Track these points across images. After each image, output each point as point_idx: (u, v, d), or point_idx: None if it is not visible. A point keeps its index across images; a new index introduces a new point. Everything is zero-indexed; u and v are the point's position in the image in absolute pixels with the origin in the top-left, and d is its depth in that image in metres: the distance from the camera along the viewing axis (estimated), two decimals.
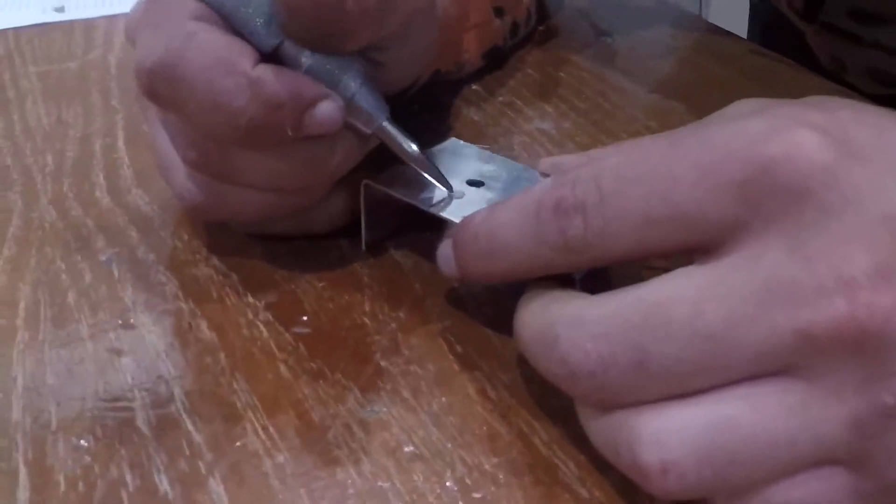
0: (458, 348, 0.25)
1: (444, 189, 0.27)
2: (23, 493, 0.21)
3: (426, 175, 0.26)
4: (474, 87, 0.38)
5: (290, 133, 0.24)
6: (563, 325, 0.20)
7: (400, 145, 0.26)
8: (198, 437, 0.23)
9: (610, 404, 0.19)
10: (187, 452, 0.22)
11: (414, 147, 0.26)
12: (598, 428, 0.20)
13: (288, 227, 0.28)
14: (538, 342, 0.20)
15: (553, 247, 0.20)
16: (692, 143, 0.19)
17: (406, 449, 0.22)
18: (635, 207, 0.19)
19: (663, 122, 0.35)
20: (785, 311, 0.17)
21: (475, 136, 0.34)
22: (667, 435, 0.18)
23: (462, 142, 0.30)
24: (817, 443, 0.18)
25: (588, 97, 0.38)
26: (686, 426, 0.18)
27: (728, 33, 0.45)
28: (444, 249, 0.23)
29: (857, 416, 0.18)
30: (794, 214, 0.18)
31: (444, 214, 0.26)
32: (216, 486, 0.21)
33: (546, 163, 0.27)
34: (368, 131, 0.26)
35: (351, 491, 0.21)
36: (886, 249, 0.17)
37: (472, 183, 0.27)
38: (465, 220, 0.23)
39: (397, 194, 0.27)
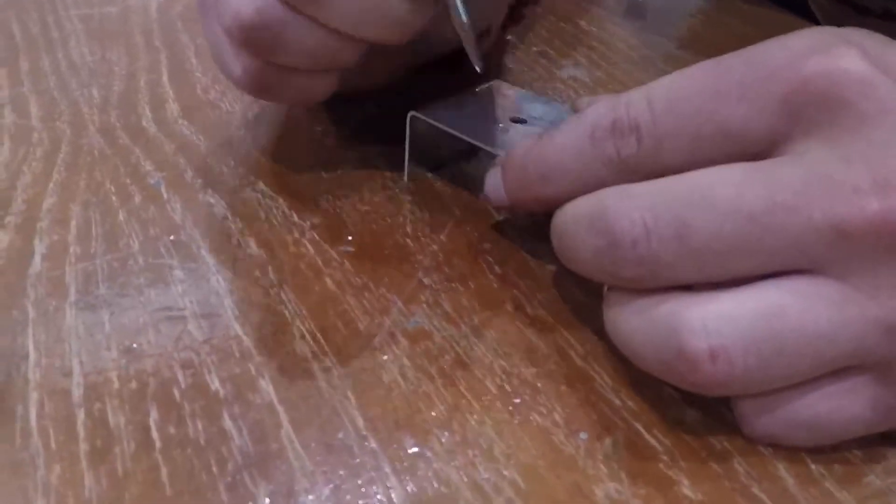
0: (497, 269, 0.26)
1: (488, 123, 0.27)
2: (77, 391, 0.22)
3: (467, 48, 0.26)
4: (508, 37, 0.39)
5: None
6: (612, 196, 0.21)
7: (457, 10, 0.26)
8: (247, 342, 0.23)
9: (647, 282, 0.20)
10: (237, 355, 0.23)
11: (465, 19, 0.26)
12: (637, 321, 0.20)
13: (325, 87, 0.27)
14: (584, 218, 0.21)
15: (607, 165, 0.21)
16: (736, 62, 0.20)
17: (448, 356, 0.23)
18: (685, 125, 0.20)
19: None
20: (822, 204, 0.18)
21: (512, 83, 0.35)
22: (716, 321, 0.19)
23: (506, 83, 0.30)
24: (856, 342, 0.19)
25: (619, 49, 0.38)
26: (735, 312, 0.19)
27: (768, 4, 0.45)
28: (493, 177, 0.24)
29: (891, 321, 0.18)
30: (834, 123, 0.19)
31: (490, 147, 0.27)
32: (265, 385, 0.22)
33: (584, 101, 0.28)
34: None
35: (395, 392, 0.22)
36: None
37: (515, 120, 0.28)
38: (516, 146, 0.23)
39: (444, 125, 0.28)
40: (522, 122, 0.28)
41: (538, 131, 0.28)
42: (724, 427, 0.22)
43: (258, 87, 0.27)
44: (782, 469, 0.21)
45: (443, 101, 0.28)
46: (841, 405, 0.20)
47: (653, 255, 0.19)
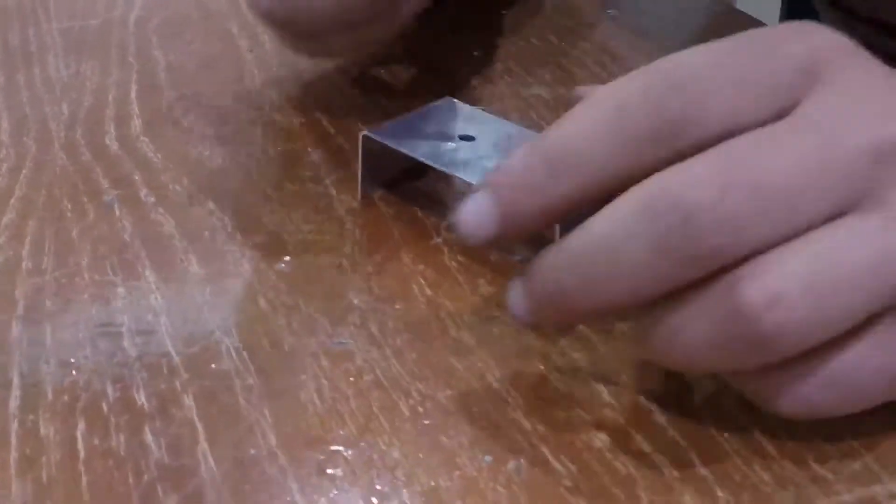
0: (428, 291, 0.26)
1: (440, 141, 0.28)
2: (14, 402, 0.23)
3: None
4: (476, 53, 0.39)
5: None
6: (670, 173, 0.19)
7: None
8: (177, 359, 0.24)
9: (728, 251, 0.19)
10: (165, 371, 0.24)
11: None
12: (691, 308, 0.19)
13: (346, 43, 0.31)
14: (633, 215, 0.20)
15: (646, 140, 0.20)
16: (754, 38, 0.22)
17: (366, 378, 0.24)
18: (724, 82, 0.20)
19: None
20: (859, 130, 0.20)
21: (471, 99, 0.35)
22: (767, 268, 0.19)
23: (457, 101, 0.31)
24: None
25: (587, 67, 0.39)
26: (789, 258, 0.19)
27: (742, 14, 0.45)
28: (475, 202, 0.21)
29: None
30: (845, 70, 0.21)
31: (442, 167, 0.27)
32: (188, 401, 0.23)
33: (582, 89, 0.29)
34: None
35: (311, 411, 0.23)
36: None
37: (463, 138, 0.29)
38: (513, 153, 0.21)
39: (395, 145, 0.28)
40: (471, 139, 0.29)
41: (486, 151, 0.29)
42: (631, 453, 0.22)
43: (293, 50, 0.32)
44: (687, 497, 0.21)
45: (394, 120, 0.29)
46: (871, 356, 0.20)
47: (732, 215, 0.19)
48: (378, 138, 0.28)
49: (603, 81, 0.38)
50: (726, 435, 0.22)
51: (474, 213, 0.21)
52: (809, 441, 0.22)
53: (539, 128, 0.32)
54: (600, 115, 0.20)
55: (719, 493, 0.21)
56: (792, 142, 0.20)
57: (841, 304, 0.19)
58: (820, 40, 0.22)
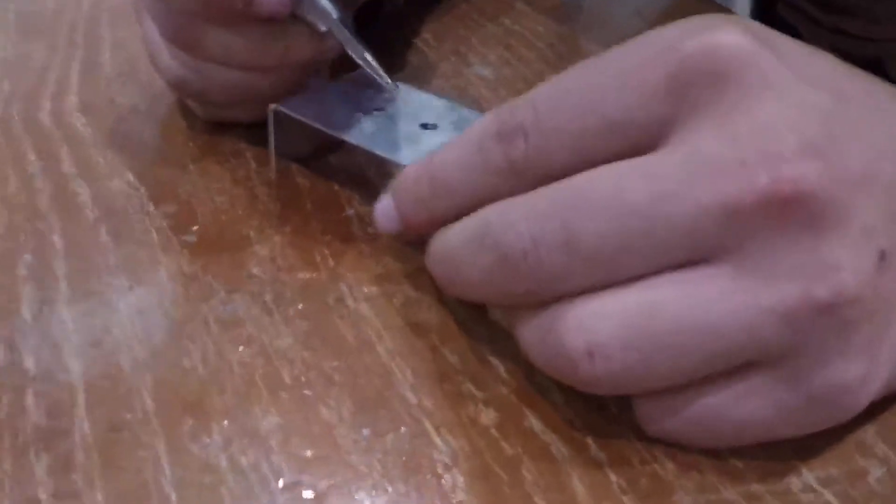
0: (331, 262, 0.26)
1: (353, 114, 0.28)
2: None
3: (376, 77, 0.28)
4: (425, 35, 0.39)
5: (241, 6, 0.26)
6: (496, 211, 0.20)
7: (353, 45, 0.28)
8: (70, 325, 0.24)
9: (543, 294, 0.19)
10: (57, 336, 0.24)
11: (364, 51, 0.28)
12: (529, 326, 0.20)
13: (254, 112, 0.30)
14: (468, 238, 0.21)
15: (498, 173, 0.21)
16: (615, 55, 0.20)
17: (253, 346, 0.23)
18: (569, 120, 0.20)
19: None
20: (710, 186, 0.18)
21: (412, 79, 0.35)
22: (592, 319, 0.18)
23: (413, 87, 0.30)
24: (747, 333, 0.18)
25: (537, 48, 0.38)
26: (612, 310, 0.18)
27: (710, 2, 0.44)
28: (384, 204, 0.23)
29: (787, 306, 0.18)
30: (717, 99, 0.18)
31: (351, 139, 0.27)
32: (74, 365, 0.23)
33: None
34: (323, 28, 0.28)
35: (192, 377, 0.22)
36: (810, 129, 0.18)
37: (375, 109, 0.28)
38: (406, 168, 0.23)
39: (305, 118, 0.28)
40: (381, 110, 0.28)
41: (400, 120, 0.28)
42: (521, 432, 0.21)
43: (204, 116, 0.31)
44: (576, 479, 0.20)
45: (305, 93, 0.29)
46: (739, 404, 0.19)
47: (542, 267, 0.19)
48: (287, 111, 0.28)
49: (547, 61, 0.37)
50: (627, 417, 0.21)
51: (382, 212, 0.24)
52: None
53: (477, 106, 0.32)
54: (465, 150, 0.22)
55: (612, 477, 0.20)
56: (621, 191, 0.18)
57: (670, 361, 0.18)
58: (699, 45, 0.19)
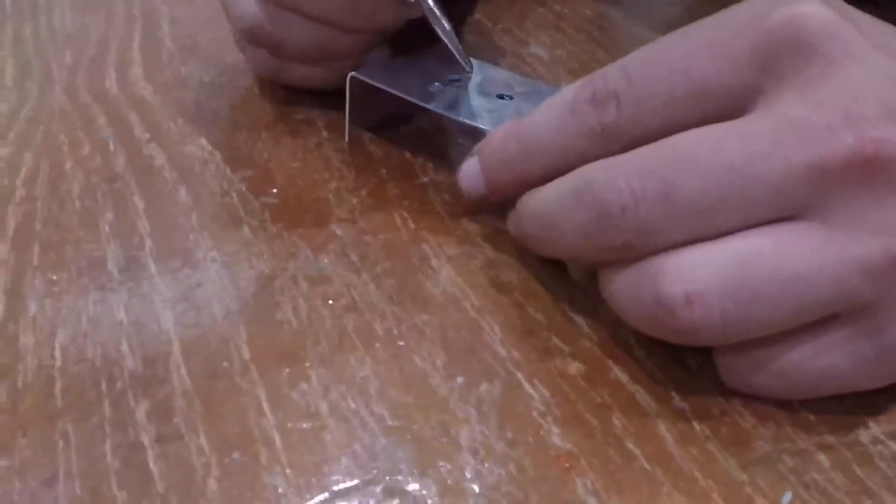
0: (412, 224, 0.26)
1: (429, 84, 0.28)
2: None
3: (454, 51, 0.29)
4: (479, 16, 0.40)
5: None
6: (596, 169, 0.21)
7: (437, 19, 0.28)
8: (158, 279, 0.25)
9: (639, 248, 0.20)
10: (147, 289, 0.24)
11: (447, 25, 0.28)
12: (622, 279, 0.21)
13: (327, 76, 0.30)
14: (564, 195, 0.21)
15: (589, 137, 0.22)
16: (705, 24, 0.21)
17: (343, 301, 0.24)
18: (660, 86, 0.21)
19: None
20: (798, 147, 0.19)
21: (473, 55, 0.35)
22: (691, 268, 0.19)
23: (492, 65, 0.30)
24: (835, 286, 0.19)
25: (586, 31, 0.39)
26: (711, 259, 0.19)
27: None
28: (469, 166, 0.24)
29: (870, 261, 0.19)
30: (803, 68, 0.19)
31: (432, 106, 0.27)
32: (166, 317, 0.23)
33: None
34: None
35: (285, 329, 0.23)
36: (891, 96, 0.19)
37: (452, 80, 0.29)
38: (494, 130, 0.24)
39: (382, 85, 0.28)
40: (457, 81, 0.29)
41: (474, 91, 0.29)
42: (608, 383, 0.22)
43: (265, 73, 0.31)
44: (663, 427, 0.21)
45: (382, 62, 0.29)
46: (820, 357, 0.20)
47: (642, 220, 0.20)
48: (365, 79, 0.28)
49: (599, 43, 0.38)
50: (706, 371, 0.22)
51: (467, 175, 0.24)
52: None
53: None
54: (556, 113, 0.22)
55: (696, 427, 0.21)
56: (719, 150, 0.19)
57: (765, 311, 0.19)
58: (783, 17, 0.20)
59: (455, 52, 0.29)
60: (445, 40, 0.29)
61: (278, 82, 0.32)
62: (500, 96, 0.28)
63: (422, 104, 0.27)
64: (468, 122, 0.26)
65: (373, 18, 0.28)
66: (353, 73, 0.28)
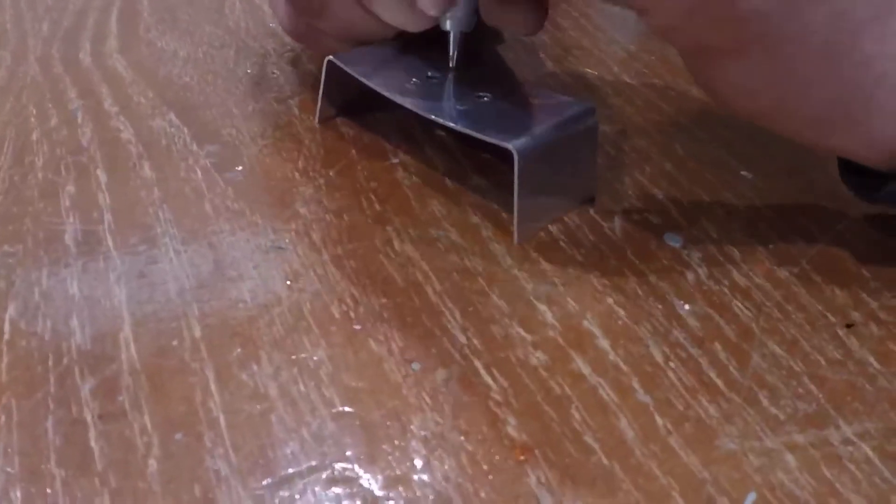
0: (377, 206, 0.26)
1: (400, 77, 0.27)
2: None
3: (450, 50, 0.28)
4: None
5: None
6: None
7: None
8: (115, 254, 0.24)
9: None
10: (102, 264, 0.24)
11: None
12: None
13: (332, 46, 0.30)
14: None
15: None
16: None
17: (301, 281, 0.23)
18: None
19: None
20: None
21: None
22: None
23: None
24: None
25: (571, 17, 0.38)
26: None
27: None
28: None
29: None
30: None
31: (395, 97, 0.26)
32: (119, 291, 0.23)
33: None
34: None
35: (240, 307, 0.22)
36: None
37: (432, 77, 0.28)
38: None
39: (356, 74, 0.28)
40: (437, 78, 0.28)
41: (452, 88, 0.28)
42: (569, 374, 0.21)
43: (295, 36, 0.31)
44: (624, 421, 0.20)
45: (361, 49, 0.28)
46: None
47: None
48: (343, 65, 0.28)
49: (588, 32, 0.37)
50: (672, 366, 0.21)
51: None
52: (762, 378, 0.21)
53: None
54: None
55: (659, 421, 0.20)
56: None
57: None
58: None
59: (451, 48, 0.28)
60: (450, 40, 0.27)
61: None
62: (480, 96, 0.27)
63: (393, 97, 0.26)
64: (439, 120, 0.25)
65: (389, 30, 0.28)
66: (331, 57, 0.28)
